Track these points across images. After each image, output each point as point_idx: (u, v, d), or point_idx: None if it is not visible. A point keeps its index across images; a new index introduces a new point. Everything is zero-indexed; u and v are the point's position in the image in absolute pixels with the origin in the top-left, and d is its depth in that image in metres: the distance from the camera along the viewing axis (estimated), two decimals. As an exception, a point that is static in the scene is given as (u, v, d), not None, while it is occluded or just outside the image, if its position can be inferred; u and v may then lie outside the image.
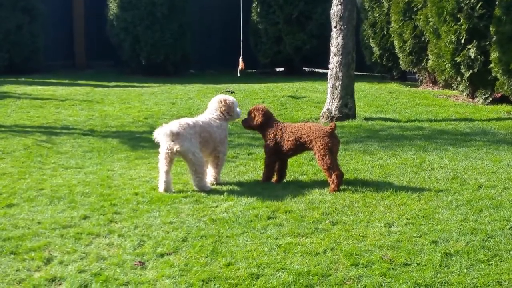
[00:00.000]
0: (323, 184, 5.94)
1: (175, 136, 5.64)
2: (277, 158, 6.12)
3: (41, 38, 15.16)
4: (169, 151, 5.66)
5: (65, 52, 16.50)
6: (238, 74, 13.86)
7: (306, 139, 5.92)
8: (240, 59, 13.66)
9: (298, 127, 6.07)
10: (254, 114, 6.17)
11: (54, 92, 11.76)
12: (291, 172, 6.43)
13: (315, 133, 5.87)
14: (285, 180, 6.20)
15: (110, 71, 16.09)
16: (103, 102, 10.94)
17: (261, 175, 6.22)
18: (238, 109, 6.34)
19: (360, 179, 6.22)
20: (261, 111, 6.16)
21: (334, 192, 5.68)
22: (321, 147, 5.79)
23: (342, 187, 5.80)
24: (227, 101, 6.17)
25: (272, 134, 6.06)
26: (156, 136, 5.75)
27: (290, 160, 6.52)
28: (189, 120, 5.88)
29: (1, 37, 14.48)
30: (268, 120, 6.15)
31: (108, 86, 13.00)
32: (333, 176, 5.74)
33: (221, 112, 6.13)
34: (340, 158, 6.71)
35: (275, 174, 6.18)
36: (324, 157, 5.78)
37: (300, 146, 6.03)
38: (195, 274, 3.94)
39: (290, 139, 5.98)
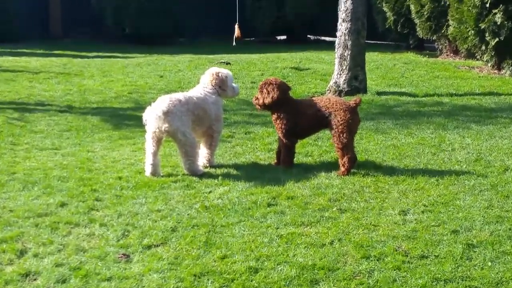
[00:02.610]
0: (330, 166, 5.94)
1: (164, 114, 5.59)
2: (296, 139, 6.06)
3: (14, 5, 15.09)
4: (157, 130, 5.63)
5: (40, 20, 16.42)
6: (234, 43, 13.80)
7: (325, 112, 5.80)
8: (236, 26, 13.57)
9: (316, 100, 5.99)
10: (267, 90, 5.93)
11: (27, 64, 11.72)
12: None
13: (336, 105, 5.78)
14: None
15: (90, 40, 16.03)
16: (82, 74, 10.91)
17: (275, 158, 6.13)
18: (234, 84, 6.26)
19: (371, 161, 6.22)
20: (275, 85, 5.94)
21: (342, 176, 5.67)
22: (340, 122, 5.72)
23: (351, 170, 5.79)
24: (220, 74, 6.11)
25: (290, 112, 5.92)
26: (146, 118, 5.70)
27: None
28: (181, 96, 5.82)
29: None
30: (285, 95, 5.97)
31: (87, 57, 12.97)
32: (345, 158, 5.71)
33: (213, 86, 6.06)
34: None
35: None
36: (341, 134, 5.71)
37: (318, 123, 5.90)
38: (186, 268, 3.95)
39: (308, 114, 5.87)
